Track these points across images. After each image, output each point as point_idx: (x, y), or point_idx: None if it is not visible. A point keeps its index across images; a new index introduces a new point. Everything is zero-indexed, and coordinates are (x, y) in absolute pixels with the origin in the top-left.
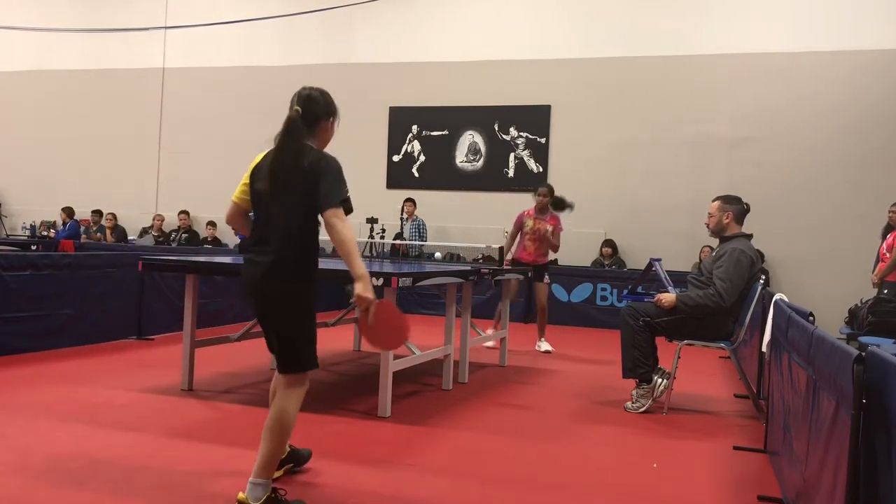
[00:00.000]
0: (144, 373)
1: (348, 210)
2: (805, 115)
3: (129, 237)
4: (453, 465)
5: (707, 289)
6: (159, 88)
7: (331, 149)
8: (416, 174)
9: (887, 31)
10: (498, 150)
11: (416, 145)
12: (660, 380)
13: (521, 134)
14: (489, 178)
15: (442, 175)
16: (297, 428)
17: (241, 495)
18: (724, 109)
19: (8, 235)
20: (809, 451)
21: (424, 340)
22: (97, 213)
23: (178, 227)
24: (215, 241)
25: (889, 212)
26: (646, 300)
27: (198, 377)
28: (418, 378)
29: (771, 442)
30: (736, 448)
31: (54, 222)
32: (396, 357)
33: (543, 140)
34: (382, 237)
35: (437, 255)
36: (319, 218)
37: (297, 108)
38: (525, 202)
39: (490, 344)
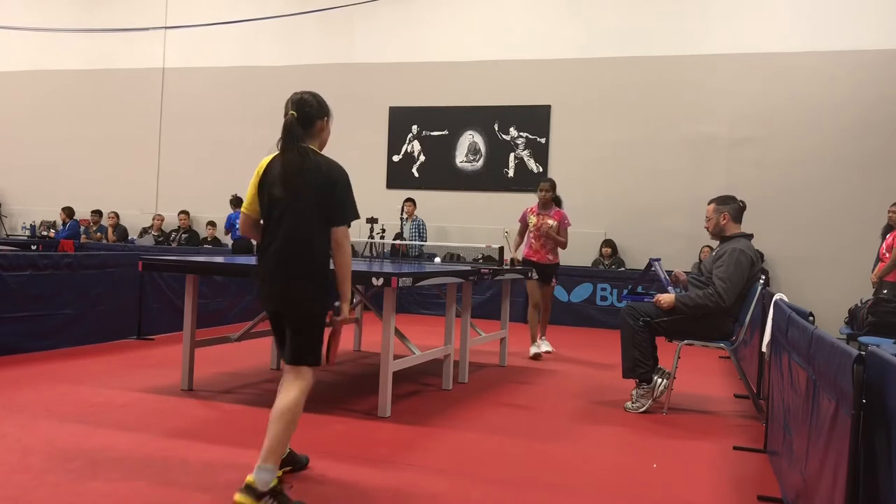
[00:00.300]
0: (144, 373)
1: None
2: (805, 115)
3: (130, 237)
4: (453, 465)
5: (706, 288)
6: (159, 88)
7: (331, 148)
8: (416, 174)
9: (887, 31)
10: (498, 150)
11: (416, 145)
12: (660, 380)
13: (521, 134)
14: (489, 178)
15: (442, 175)
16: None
17: (249, 478)
18: (724, 109)
19: (8, 235)
20: (809, 450)
21: (424, 340)
22: (97, 213)
23: (178, 226)
24: (215, 241)
25: (889, 212)
26: (645, 300)
27: (198, 377)
28: (418, 378)
29: (771, 442)
30: (736, 448)
31: (54, 222)
32: (396, 357)
33: (543, 140)
34: (382, 237)
35: (437, 259)
36: None
37: (293, 112)
38: (525, 202)
39: (545, 348)
